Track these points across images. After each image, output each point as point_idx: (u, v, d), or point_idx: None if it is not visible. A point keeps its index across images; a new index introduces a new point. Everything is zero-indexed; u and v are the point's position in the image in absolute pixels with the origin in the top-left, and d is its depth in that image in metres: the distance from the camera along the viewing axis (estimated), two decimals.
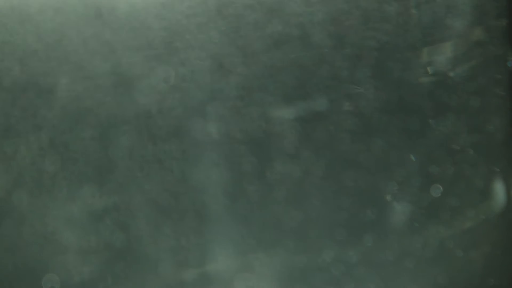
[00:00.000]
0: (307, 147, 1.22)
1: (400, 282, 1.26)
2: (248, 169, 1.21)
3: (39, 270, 1.16)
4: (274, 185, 1.22)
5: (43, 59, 1.16)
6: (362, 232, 1.25)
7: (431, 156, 1.26)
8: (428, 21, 1.25)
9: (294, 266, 1.23)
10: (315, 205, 1.23)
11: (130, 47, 1.17)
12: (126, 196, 1.18)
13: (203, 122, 1.20)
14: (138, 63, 1.17)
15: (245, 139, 1.21)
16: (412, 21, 1.24)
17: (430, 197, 1.26)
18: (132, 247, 1.19)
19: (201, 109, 1.20)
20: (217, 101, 1.20)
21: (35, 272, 1.16)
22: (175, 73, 1.18)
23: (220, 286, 1.21)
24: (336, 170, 1.23)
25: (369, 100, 1.24)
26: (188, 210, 1.20)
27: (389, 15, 1.23)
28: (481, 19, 1.26)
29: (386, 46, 1.24)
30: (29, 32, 1.16)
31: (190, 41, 1.19)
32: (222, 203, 1.20)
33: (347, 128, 1.23)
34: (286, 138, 1.22)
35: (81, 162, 1.18)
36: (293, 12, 1.21)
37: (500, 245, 1.29)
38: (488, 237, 1.29)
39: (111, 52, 1.17)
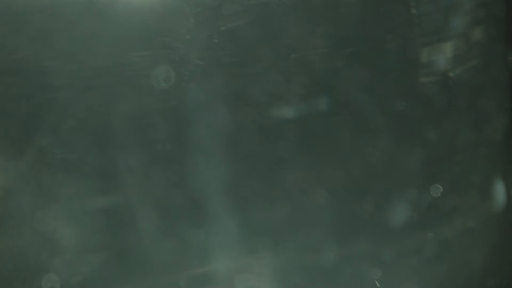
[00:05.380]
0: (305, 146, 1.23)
1: (400, 282, 1.26)
2: (249, 169, 1.21)
3: (39, 270, 1.16)
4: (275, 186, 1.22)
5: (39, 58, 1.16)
6: (360, 232, 1.25)
7: (430, 155, 1.26)
8: (427, 20, 1.25)
9: (295, 266, 1.23)
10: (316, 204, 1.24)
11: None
12: (126, 196, 1.18)
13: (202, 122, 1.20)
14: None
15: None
16: (411, 21, 1.25)
17: (429, 197, 1.26)
18: (133, 247, 1.19)
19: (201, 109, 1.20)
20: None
21: (35, 272, 1.16)
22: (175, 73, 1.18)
23: (220, 286, 1.21)
24: (335, 171, 1.23)
25: (367, 100, 1.24)
26: (189, 210, 1.20)
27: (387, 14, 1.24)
28: (481, 19, 1.27)
29: (384, 45, 1.24)
30: (19, 30, 1.15)
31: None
32: (223, 202, 1.20)
33: (345, 128, 1.23)
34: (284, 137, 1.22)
35: (80, 161, 1.18)
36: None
37: (500, 245, 1.29)
38: (488, 237, 1.29)
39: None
